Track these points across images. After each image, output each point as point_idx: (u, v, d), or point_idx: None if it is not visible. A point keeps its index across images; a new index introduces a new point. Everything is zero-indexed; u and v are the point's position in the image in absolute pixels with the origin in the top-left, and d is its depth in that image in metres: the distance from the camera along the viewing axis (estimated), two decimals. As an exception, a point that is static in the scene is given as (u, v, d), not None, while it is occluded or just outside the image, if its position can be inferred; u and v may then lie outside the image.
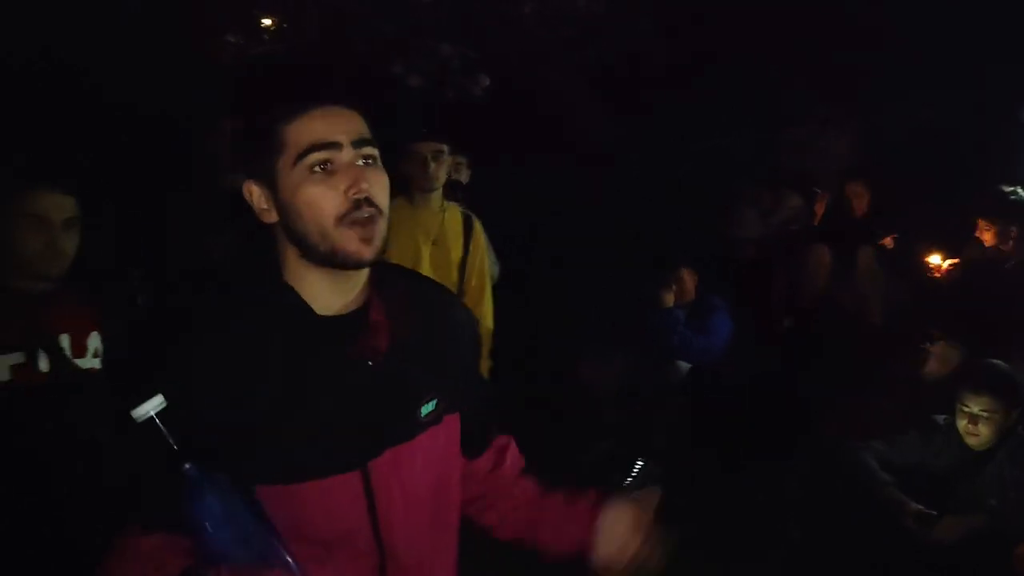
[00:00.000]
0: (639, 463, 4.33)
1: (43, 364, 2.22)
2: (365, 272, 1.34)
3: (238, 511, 1.18)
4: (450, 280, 3.46)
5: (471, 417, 1.48)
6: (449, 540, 1.47)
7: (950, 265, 4.33)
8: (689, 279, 4.55)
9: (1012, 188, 4.23)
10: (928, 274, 4.40)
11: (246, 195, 1.32)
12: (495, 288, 4.34)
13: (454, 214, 3.55)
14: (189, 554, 1.21)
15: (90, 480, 1.65)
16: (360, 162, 1.28)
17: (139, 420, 1.17)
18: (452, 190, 3.90)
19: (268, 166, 1.28)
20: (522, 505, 1.54)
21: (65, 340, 2.28)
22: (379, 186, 1.29)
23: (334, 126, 1.27)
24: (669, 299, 4.54)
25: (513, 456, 1.59)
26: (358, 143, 1.28)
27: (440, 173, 3.42)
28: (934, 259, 4.39)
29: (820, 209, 5.53)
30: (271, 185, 1.29)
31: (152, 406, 1.18)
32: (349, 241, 1.26)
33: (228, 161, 3.55)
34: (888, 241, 4.83)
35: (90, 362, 2.32)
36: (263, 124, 1.30)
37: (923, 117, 6.24)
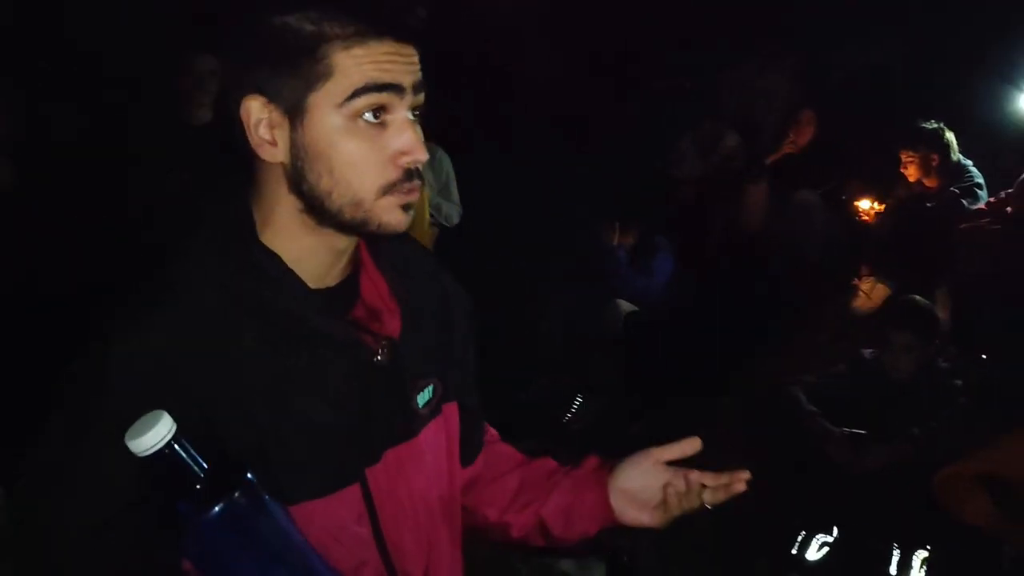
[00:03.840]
0: (578, 399, 4.41)
1: None
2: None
3: (268, 538, 0.91)
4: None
5: (469, 410, 1.22)
6: (458, 551, 1.22)
7: (878, 210, 4.43)
8: (628, 227, 4.59)
9: (931, 122, 4.31)
10: (858, 218, 4.49)
11: (243, 115, 0.98)
12: (451, 230, 4.36)
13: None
14: None
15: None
16: (412, 115, 1.01)
17: (145, 453, 0.86)
18: None
19: (298, 91, 0.97)
20: (521, 498, 1.28)
21: None
22: (426, 152, 1.02)
23: (399, 64, 0.98)
24: (611, 239, 4.58)
25: (501, 447, 1.33)
26: (418, 88, 1.00)
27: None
28: (864, 204, 4.48)
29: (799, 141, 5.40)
30: (293, 117, 0.98)
31: (164, 431, 0.86)
32: (390, 212, 1.00)
33: (198, 98, 3.43)
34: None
35: None
36: (309, 36, 0.96)
37: (860, 59, 6.32)
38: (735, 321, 4.11)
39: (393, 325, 1.08)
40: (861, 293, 3.67)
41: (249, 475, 0.90)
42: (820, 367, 3.42)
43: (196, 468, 0.87)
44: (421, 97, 1.01)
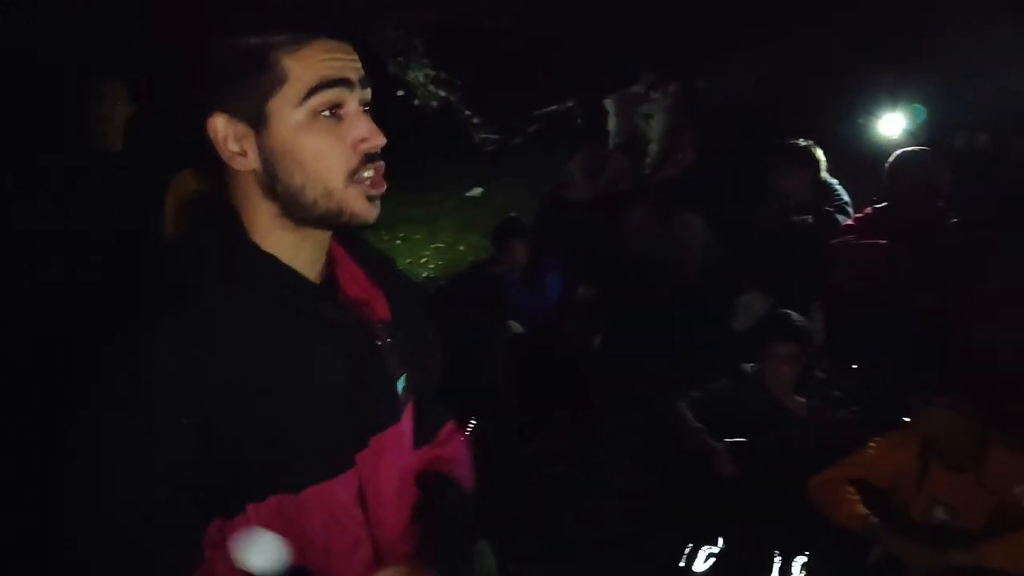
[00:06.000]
0: (471, 423, 4.37)
1: None
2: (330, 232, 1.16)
3: None
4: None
5: (423, 395, 1.31)
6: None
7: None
8: (520, 251, 4.62)
9: (802, 139, 4.50)
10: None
11: (210, 132, 1.07)
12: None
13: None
14: None
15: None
16: (363, 107, 1.11)
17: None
18: None
19: (256, 101, 1.06)
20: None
21: None
22: (383, 139, 1.12)
23: (345, 61, 1.08)
24: (500, 264, 4.61)
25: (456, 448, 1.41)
26: (364, 83, 1.11)
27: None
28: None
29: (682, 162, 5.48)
30: (256, 124, 1.06)
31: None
32: (356, 201, 1.09)
33: (112, 125, 3.39)
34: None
35: None
36: (259, 48, 1.05)
37: (742, 82, 6.58)
38: (623, 339, 4.20)
39: (383, 309, 1.19)
40: (741, 308, 3.78)
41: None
42: (705, 383, 3.50)
43: None
44: (368, 92, 1.11)
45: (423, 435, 1.34)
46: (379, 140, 1.10)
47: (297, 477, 1.07)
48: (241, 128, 1.07)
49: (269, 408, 1.05)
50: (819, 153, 4.42)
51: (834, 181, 4.43)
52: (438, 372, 1.35)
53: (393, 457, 1.20)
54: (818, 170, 4.41)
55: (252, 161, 1.08)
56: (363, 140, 1.09)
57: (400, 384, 1.21)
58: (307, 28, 1.07)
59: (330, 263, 1.18)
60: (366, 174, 1.09)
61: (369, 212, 1.10)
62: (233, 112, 1.07)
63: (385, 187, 1.12)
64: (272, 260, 1.10)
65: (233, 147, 1.08)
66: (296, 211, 1.09)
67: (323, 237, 1.15)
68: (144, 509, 1.01)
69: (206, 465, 1.04)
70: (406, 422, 1.24)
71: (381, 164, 1.11)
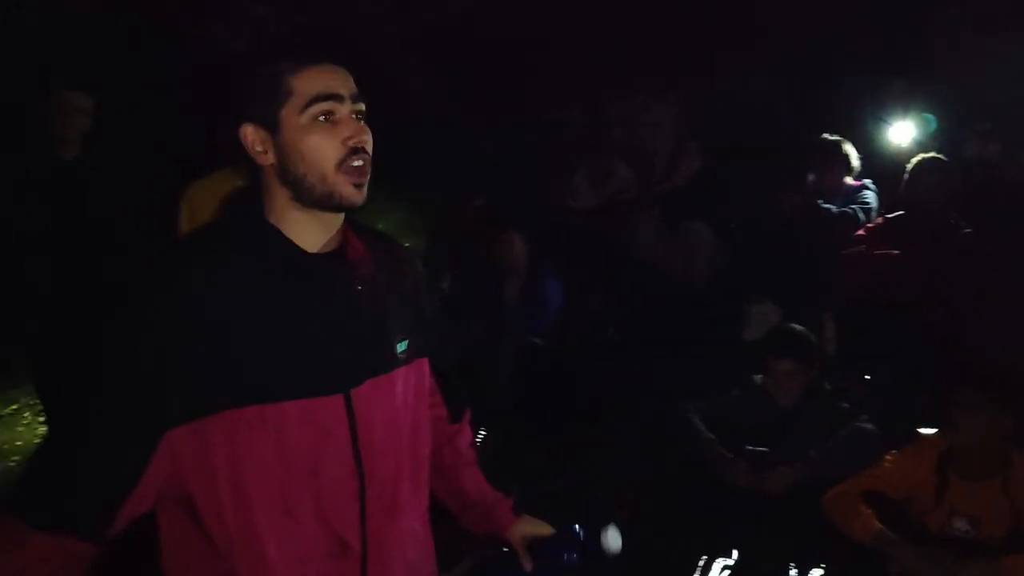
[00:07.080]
0: (481, 433, 4.33)
1: None
2: (342, 216, 1.46)
3: None
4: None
5: (446, 371, 1.63)
6: (423, 481, 1.58)
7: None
8: (519, 244, 4.57)
9: (829, 134, 4.48)
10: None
11: (242, 137, 1.40)
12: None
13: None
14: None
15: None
16: (355, 116, 1.41)
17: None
18: None
19: (271, 112, 1.38)
20: (465, 480, 1.77)
21: None
22: (370, 138, 1.42)
23: (337, 81, 1.40)
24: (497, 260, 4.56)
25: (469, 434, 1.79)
26: (356, 98, 1.41)
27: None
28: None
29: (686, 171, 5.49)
30: (272, 129, 1.39)
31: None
32: (344, 186, 1.38)
33: (71, 135, 3.66)
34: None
35: None
36: (271, 73, 1.39)
37: (744, 95, 6.56)
38: (629, 349, 4.16)
39: (369, 269, 1.47)
40: (752, 317, 3.74)
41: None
42: (714, 393, 3.46)
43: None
44: (360, 105, 1.42)
45: (454, 413, 1.70)
46: (363, 136, 1.40)
47: (282, 390, 1.35)
48: (263, 133, 1.40)
49: (264, 337, 1.35)
50: (848, 148, 4.39)
51: (869, 183, 4.38)
52: (447, 344, 1.66)
53: (386, 401, 1.46)
54: (849, 165, 4.38)
55: (271, 157, 1.40)
56: (349, 137, 1.38)
57: (401, 347, 1.49)
58: (308, 56, 1.40)
59: (343, 241, 1.47)
60: (355, 163, 1.39)
61: (355, 196, 1.40)
62: (257, 121, 1.39)
63: (366, 178, 1.41)
64: (274, 231, 1.41)
65: (259, 148, 1.40)
66: (302, 195, 1.39)
67: (329, 217, 1.44)
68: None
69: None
70: (404, 379, 1.49)
71: (367, 158, 1.41)
